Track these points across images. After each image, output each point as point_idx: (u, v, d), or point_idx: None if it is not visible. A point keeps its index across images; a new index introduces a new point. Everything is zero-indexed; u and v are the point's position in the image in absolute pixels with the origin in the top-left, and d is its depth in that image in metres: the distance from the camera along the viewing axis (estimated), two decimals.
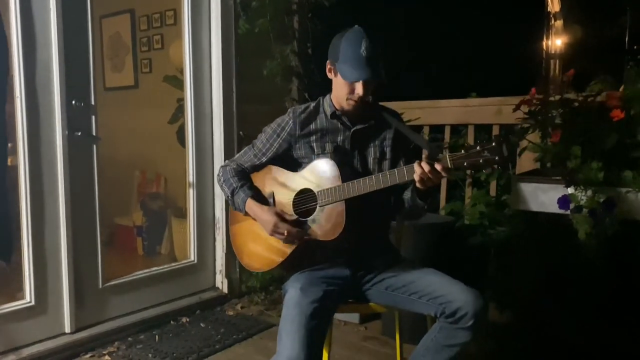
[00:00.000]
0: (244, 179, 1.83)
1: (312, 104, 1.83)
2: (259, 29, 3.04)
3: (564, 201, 1.67)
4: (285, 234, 1.67)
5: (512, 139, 1.51)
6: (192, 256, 3.09)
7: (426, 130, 2.81)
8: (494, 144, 1.41)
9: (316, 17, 3.20)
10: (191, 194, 3.07)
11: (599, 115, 1.82)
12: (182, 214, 3.46)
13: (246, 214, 1.79)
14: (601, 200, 1.64)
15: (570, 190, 1.69)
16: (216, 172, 3.10)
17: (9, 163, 2.66)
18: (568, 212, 1.67)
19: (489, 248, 2.34)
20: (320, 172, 1.70)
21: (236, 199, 1.80)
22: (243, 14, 3.04)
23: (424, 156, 1.53)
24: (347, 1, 3.15)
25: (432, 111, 2.83)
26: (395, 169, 1.57)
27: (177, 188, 3.77)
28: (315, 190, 1.70)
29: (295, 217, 1.71)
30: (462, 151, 1.46)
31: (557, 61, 7.86)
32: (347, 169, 1.69)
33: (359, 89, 1.66)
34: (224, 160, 2.81)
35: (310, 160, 1.76)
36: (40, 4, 2.31)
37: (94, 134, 2.53)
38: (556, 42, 7.87)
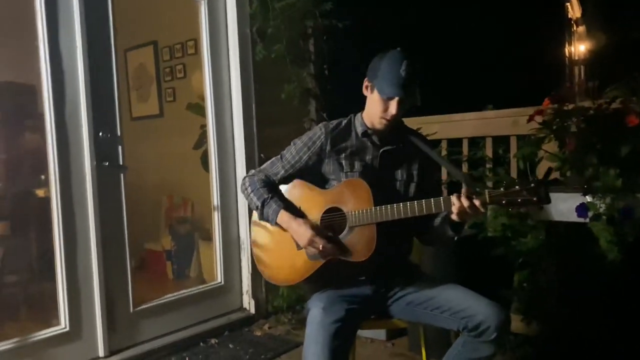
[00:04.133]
0: (274, 191, 1.81)
1: (344, 121, 1.83)
2: (276, 54, 3.11)
3: (581, 209, 1.66)
4: (321, 248, 1.66)
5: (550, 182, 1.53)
6: (219, 278, 3.14)
7: (444, 144, 2.83)
8: (532, 185, 1.44)
9: (331, 39, 3.25)
10: (216, 216, 3.14)
11: (614, 122, 1.81)
12: (209, 237, 3.53)
13: (276, 225, 1.77)
14: (620, 207, 1.63)
15: (588, 198, 1.68)
16: (240, 194, 3.20)
17: (42, 194, 2.78)
18: (587, 220, 1.66)
19: (513, 260, 2.32)
20: (352, 192, 1.70)
21: (267, 209, 1.76)
22: (259, 41, 3.13)
23: (463, 190, 1.53)
24: (360, 21, 3.21)
25: (449, 125, 2.84)
26: (432, 199, 1.57)
27: (203, 211, 3.83)
28: (345, 210, 1.70)
29: (331, 233, 1.70)
30: (502, 189, 1.49)
31: (581, 67, 7.75)
32: (375, 190, 1.69)
33: (392, 107, 1.67)
34: None
35: (338, 177, 1.76)
36: (68, 44, 2.43)
37: (120, 163, 2.62)
38: (579, 48, 7.76)
